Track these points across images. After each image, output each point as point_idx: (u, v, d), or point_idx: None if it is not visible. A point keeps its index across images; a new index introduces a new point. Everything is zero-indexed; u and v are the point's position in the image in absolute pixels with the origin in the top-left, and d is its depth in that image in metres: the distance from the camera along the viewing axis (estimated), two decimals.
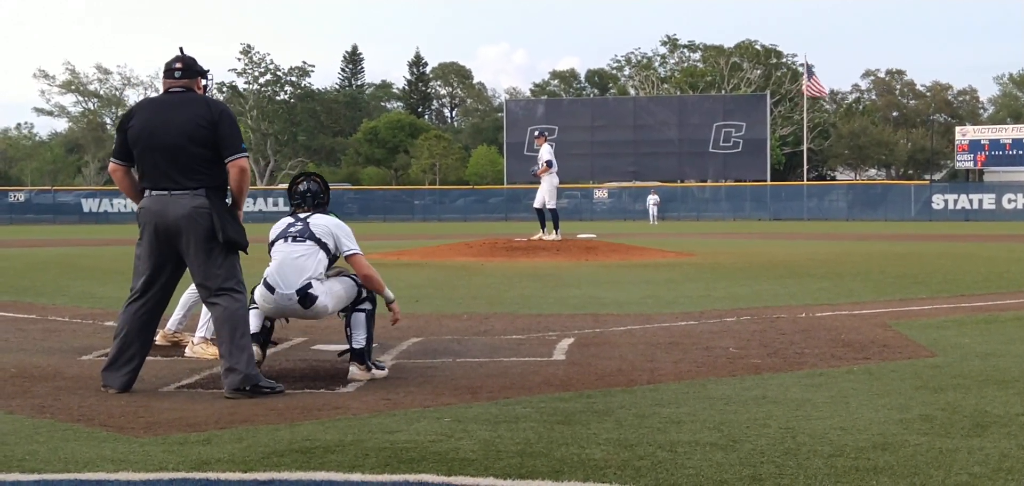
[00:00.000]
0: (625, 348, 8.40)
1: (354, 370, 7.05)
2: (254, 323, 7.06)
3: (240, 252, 6.70)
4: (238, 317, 6.55)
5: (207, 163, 6.57)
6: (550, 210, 22.19)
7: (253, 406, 6.09)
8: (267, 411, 5.92)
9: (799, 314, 10.69)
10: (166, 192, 6.54)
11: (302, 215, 7.28)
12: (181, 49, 6.84)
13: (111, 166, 6.80)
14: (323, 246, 7.10)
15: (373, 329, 7.25)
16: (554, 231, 22.14)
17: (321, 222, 7.22)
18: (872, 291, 13.51)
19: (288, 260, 7.05)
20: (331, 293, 7.09)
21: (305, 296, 6.98)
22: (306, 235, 7.12)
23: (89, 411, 5.96)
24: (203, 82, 6.91)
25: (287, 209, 7.58)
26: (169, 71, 6.74)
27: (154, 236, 6.61)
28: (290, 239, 7.13)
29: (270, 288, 7.05)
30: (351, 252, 7.17)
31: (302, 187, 7.40)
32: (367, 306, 7.23)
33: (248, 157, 6.82)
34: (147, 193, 6.63)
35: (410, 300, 12.41)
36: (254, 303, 7.11)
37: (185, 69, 6.74)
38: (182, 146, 6.51)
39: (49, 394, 6.53)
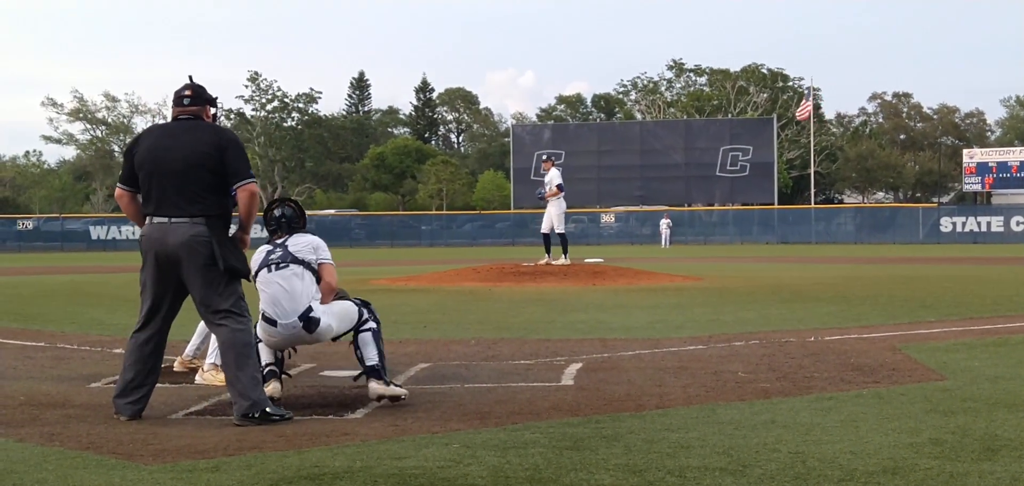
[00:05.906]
0: (633, 373, 8.39)
1: (374, 386, 6.99)
2: (265, 356, 7.07)
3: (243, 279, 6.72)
4: (242, 342, 6.53)
5: (211, 190, 6.55)
6: (559, 234, 22.18)
7: (262, 433, 6.09)
8: (276, 438, 5.92)
9: (808, 338, 10.67)
10: (166, 219, 6.54)
11: (279, 240, 7.27)
12: (190, 77, 6.85)
13: (118, 191, 6.84)
14: (306, 264, 7.11)
15: (383, 345, 7.21)
16: (563, 255, 22.10)
17: (300, 241, 7.23)
18: (881, 314, 13.47)
19: (279, 291, 7.03)
20: (332, 313, 7.11)
21: (308, 321, 6.99)
22: (288, 260, 7.10)
23: (98, 439, 5.96)
24: (212, 110, 6.88)
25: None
26: (178, 99, 6.76)
27: (155, 263, 6.61)
28: (273, 268, 7.09)
29: (271, 321, 7.03)
30: (324, 261, 7.21)
31: (277, 213, 7.38)
32: (371, 325, 7.20)
33: (256, 182, 6.81)
34: (148, 220, 6.63)
35: (418, 326, 12.42)
36: (258, 338, 7.09)
37: (194, 97, 6.75)
38: (188, 172, 6.51)
39: (58, 422, 6.53)
